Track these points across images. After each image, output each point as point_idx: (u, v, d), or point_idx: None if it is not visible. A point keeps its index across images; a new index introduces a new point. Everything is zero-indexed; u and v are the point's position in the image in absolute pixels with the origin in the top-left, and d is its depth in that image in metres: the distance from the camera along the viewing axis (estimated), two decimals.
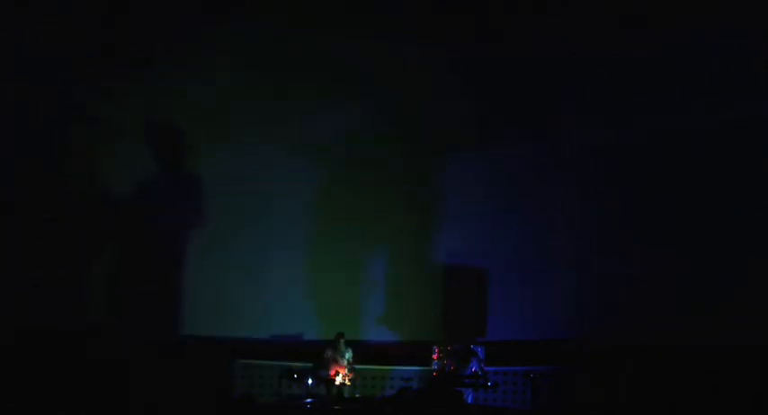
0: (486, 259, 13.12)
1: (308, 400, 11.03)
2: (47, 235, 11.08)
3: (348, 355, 11.60)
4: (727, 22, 10.95)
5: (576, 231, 12.79)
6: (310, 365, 11.53)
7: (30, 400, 9.50)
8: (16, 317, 10.51)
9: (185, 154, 12.78)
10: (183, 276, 12.68)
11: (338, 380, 11.36)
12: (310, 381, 11.29)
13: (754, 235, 10.95)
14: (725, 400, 10.10)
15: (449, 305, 13.06)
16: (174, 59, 11.99)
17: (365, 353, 12.20)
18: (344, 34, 12.49)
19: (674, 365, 10.73)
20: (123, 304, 11.90)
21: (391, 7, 12.52)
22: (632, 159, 12.21)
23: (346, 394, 11.50)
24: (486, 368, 11.54)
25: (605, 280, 12.15)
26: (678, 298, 11.35)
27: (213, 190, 12.87)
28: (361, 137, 13.21)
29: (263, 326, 12.84)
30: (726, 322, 10.63)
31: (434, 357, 11.91)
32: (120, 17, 11.27)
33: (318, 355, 11.58)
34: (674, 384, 10.63)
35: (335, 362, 11.47)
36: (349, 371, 11.46)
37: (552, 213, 13.07)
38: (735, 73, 11.11)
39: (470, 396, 11.35)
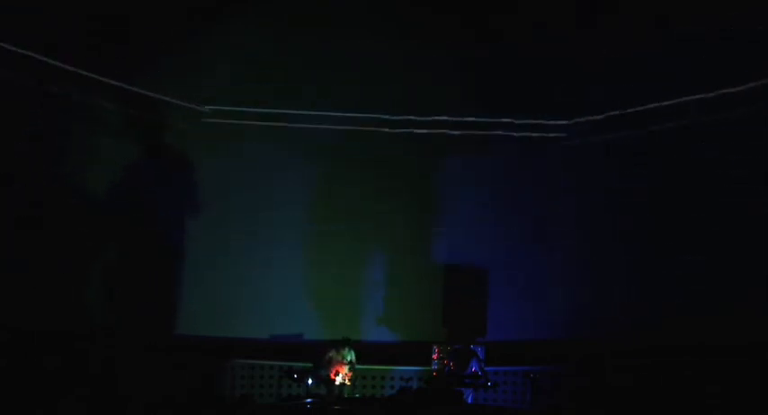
0: (487, 259, 13.13)
1: (308, 400, 11.01)
2: (45, 237, 11.05)
3: (350, 357, 11.57)
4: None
5: (576, 231, 12.79)
6: (310, 365, 11.51)
7: (30, 400, 9.50)
8: (15, 319, 10.48)
9: (184, 154, 12.77)
10: (183, 276, 12.67)
11: (338, 380, 11.35)
12: (310, 381, 11.28)
13: (755, 236, 10.95)
14: (726, 399, 10.10)
15: (449, 305, 13.06)
16: (174, 57, 11.97)
17: (365, 353, 12.19)
18: (345, 33, 12.47)
19: (674, 364, 10.74)
20: (122, 305, 11.88)
21: (392, 7, 12.51)
22: (632, 158, 12.21)
23: (346, 394, 11.49)
24: (487, 368, 11.54)
25: (605, 281, 12.16)
26: (678, 298, 11.35)
27: (213, 190, 12.86)
28: (362, 137, 13.20)
29: (262, 326, 12.83)
30: (726, 323, 10.62)
31: (434, 357, 11.93)
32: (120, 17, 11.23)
33: (319, 354, 11.56)
34: (674, 384, 10.63)
35: (337, 362, 11.44)
36: (349, 371, 11.43)
37: (552, 213, 13.08)
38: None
39: (470, 396, 11.35)
